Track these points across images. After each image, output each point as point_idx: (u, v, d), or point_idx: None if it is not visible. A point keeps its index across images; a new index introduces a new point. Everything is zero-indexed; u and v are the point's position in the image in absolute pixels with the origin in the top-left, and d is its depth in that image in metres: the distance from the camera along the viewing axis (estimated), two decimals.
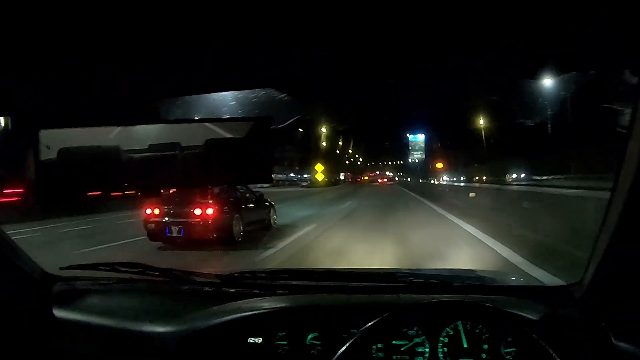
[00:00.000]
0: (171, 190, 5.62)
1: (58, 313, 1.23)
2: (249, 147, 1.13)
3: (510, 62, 1.10)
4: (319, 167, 22.83)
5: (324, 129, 33.16)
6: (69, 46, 0.96)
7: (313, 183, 27.64)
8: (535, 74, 1.18)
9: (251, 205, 6.95)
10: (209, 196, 5.80)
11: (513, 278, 1.83)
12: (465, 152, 32.10)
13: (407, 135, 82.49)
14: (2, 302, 1.13)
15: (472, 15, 0.88)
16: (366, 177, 73.83)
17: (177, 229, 5.64)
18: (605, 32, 0.94)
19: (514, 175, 18.97)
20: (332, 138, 41.58)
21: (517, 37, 0.97)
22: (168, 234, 5.69)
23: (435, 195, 15.99)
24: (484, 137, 24.62)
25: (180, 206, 5.77)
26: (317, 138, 34.61)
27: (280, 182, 32.74)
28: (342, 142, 52.05)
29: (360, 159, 76.69)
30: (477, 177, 24.66)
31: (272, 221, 7.59)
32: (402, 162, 76.88)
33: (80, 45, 0.95)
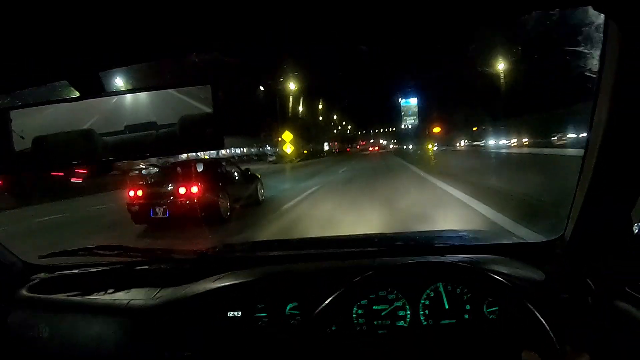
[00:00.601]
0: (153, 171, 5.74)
1: (40, 301, 1.29)
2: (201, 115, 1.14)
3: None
4: (287, 135, 17.52)
5: (292, 86, 28.08)
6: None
7: (281, 157, 22.28)
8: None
9: (237, 180, 7.10)
10: (193, 174, 5.91)
11: (494, 236, 1.87)
12: (467, 111, 28.85)
13: (399, 100, 76.40)
14: None
15: None
16: (358, 147, 72.43)
17: (162, 209, 5.77)
18: None
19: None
20: (308, 102, 38.13)
21: None
22: (153, 216, 5.83)
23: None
24: (503, 82, 19.21)
25: (164, 186, 5.89)
26: (286, 101, 30.25)
27: (246, 157, 29.22)
28: (324, 108, 48.90)
29: (349, 127, 74.94)
30: (514, 140, 18.40)
31: (259, 196, 7.77)
32: (394, 129, 76.84)
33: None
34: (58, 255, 1.45)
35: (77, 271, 1.45)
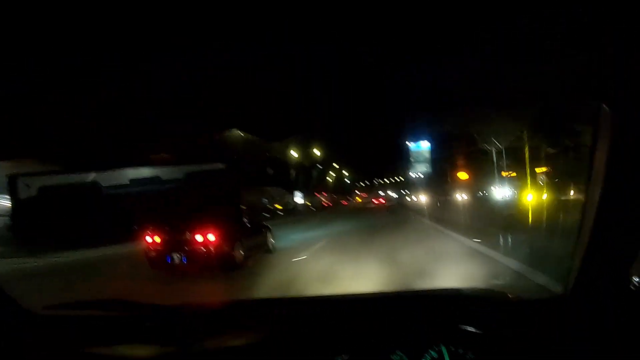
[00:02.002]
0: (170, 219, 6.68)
1: (40, 351, 1.38)
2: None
3: None
4: None
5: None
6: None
7: None
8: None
9: (251, 229, 8.03)
10: (210, 222, 6.84)
11: (498, 294, 1.93)
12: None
13: (407, 144, 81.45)
14: None
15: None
16: (358, 199, 65.28)
17: (179, 256, 6.64)
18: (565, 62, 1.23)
19: None
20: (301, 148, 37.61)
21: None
22: (170, 262, 6.68)
23: None
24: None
25: (181, 233, 6.78)
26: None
27: None
28: (317, 153, 44.39)
29: (346, 175, 69.57)
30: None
31: (270, 245, 8.66)
32: (402, 179, 71.39)
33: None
34: (62, 307, 1.58)
35: (80, 326, 1.54)
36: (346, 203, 55.17)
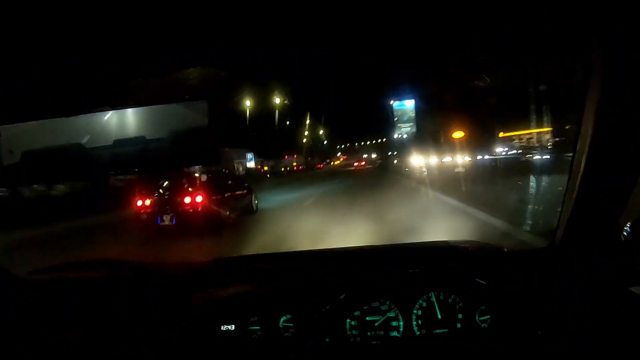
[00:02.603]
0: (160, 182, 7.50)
1: (27, 316, 1.46)
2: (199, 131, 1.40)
3: None
4: None
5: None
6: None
7: None
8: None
9: (235, 191, 8.92)
10: (197, 184, 7.68)
11: (485, 246, 2.07)
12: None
13: (391, 103, 68.11)
14: None
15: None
16: (337, 162, 64.70)
17: (169, 217, 7.50)
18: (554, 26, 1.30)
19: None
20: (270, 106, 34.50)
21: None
22: (160, 223, 7.53)
23: None
24: None
25: (170, 196, 7.62)
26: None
27: None
28: (291, 111, 42.41)
29: (325, 137, 67.03)
30: None
31: (254, 206, 9.61)
32: (385, 140, 68.48)
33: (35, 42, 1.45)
34: (48, 270, 1.67)
35: (67, 288, 1.60)
36: (321, 166, 52.91)
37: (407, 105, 68.11)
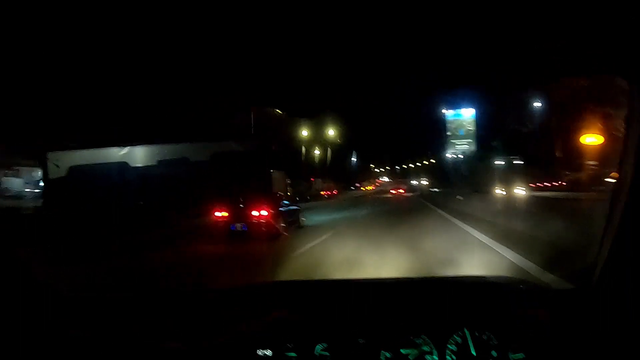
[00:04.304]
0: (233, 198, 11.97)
1: (66, 331, 1.81)
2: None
3: None
4: None
5: None
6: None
7: None
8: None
9: (289, 208, 13.35)
10: (263, 202, 12.10)
11: (521, 283, 2.43)
12: None
13: (443, 112, 61.10)
14: (17, 318, 1.71)
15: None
16: (369, 187, 59.88)
17: (240, 225, 11.91)
18: (597, 41, 1.63)
19: None
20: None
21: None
22: (233, 229, 11.97)
23: None
24: None
25: (242, 209, 12.06)
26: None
27: None
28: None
29: (353, 159, 59.65)
30: None
31: (301, 222, 14.07)
32: (433, 162, 62.73)
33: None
34: (90, 289, 2.37)
35: (106, 307, 2.08)
36: (335, 192, 43.34)
37: (464, 116, 62.42)
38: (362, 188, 63.27)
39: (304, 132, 42.64)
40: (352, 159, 64.76)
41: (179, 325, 1.85)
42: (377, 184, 67.33)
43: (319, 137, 44.88)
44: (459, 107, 61.53)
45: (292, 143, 38.26)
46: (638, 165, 1.40)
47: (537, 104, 32.49)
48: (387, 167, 73.29)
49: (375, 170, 71.70)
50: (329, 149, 47.34)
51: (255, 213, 11.92)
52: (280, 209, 12.82)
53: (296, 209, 14.46)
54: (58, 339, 1.76)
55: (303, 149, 42.90)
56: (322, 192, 35.80)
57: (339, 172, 52.30)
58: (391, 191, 50.73)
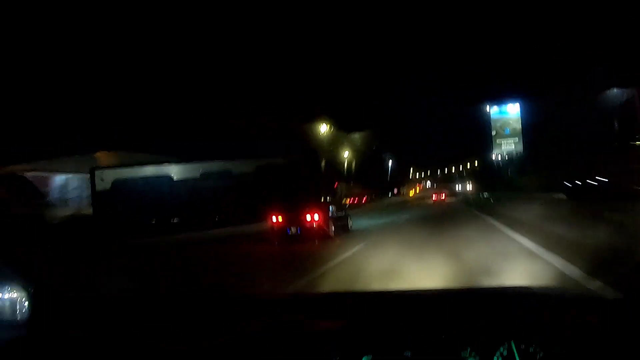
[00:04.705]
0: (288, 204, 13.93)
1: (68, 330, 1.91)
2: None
3: None
4: None
5: None
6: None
7: None
8: None
9: (338, 214, 15.19)
10: (315, 207, 13.95)
11: (567, 292, 2.56)
12: None
13: (487, 110, 60.01)
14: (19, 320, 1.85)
15: None
16: (410, 192, 61.81)
17: (295, 229, 13.80)
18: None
19: None
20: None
21: None
22: (289, 233, 13.86)
23: None
24: None
25: (296, 215, 13.94)
26: None
27: None
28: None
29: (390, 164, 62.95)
30: None
31: (349, 226, 15.90)
32: (476, 165, 63.53)
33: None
34: (93, 291, 3.19)
35: (109, 305, 2.28)
36: (364, 200, 44.69)
37: (510, 113, 61.53)
38: (402, 193, 63.48)
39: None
40: (389, 162, 65.91)
41: (225, 338, 1.89)
42: (418, 189, 67.17)
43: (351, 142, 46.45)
44: (504, 103, 60.31)
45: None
46: None
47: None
48: (428, 172, 73.22)
49: (416, 174, 71.42)
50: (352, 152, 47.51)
51: (308, 218, 13.77)
52: (331, 215, 14.65)
53: (345, 214, 16.59)
54: (58, 339, 1.90)
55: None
56: (345, 200, 29.49)
57: (373, 177, 53.43)
58: (432, 196, 51.39)
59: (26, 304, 1.88)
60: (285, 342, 1.78)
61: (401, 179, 68.67)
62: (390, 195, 59.53)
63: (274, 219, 14.14)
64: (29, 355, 1.80)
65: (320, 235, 13.75)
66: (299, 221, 13.90)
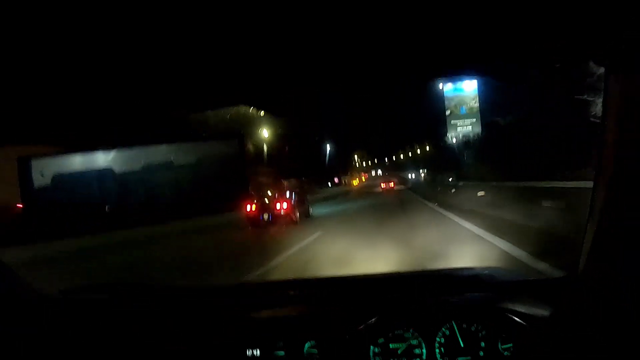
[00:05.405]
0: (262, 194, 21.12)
1: (57, 334, 2.30)
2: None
3: None
4: None
5: None
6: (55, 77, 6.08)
7: None
8: None
9: (299, 202, 22.59)
10: (283, 197, 21.22)
11: (509, 273, 3.06)
12: None
13: (440, 88, 63.47)
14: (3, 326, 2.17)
15: None
16: (354, 182, 59.93)
17: (267, 216, 20.95)
18: (571, 27, 2.14)
19: None
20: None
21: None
22: (262, 219, 21.00)
23: None
24: None
25: (268, 203, 21.08)
26: None
27: None
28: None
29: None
30: None
31: (309, 212, 23.62)
32: (427, 150, 63.40)
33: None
34: (80, 290, 2.76)
35: (96, 308, 2.63)
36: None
37: (466, 90, 63.87)
38: (344, 183, 63.94)
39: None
40: (326, 148, 67.54)
41: (175, 325, 2.38)
42: (364, 178, 68.10)
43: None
44: (459, 79, 62.60)
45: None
46: (617, 152, 1.81)
47: None
48: (375, 159, 72.95)
49: (363, 163, 70.72)
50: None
51: (277, 206, 20.92)
52: (295, 202, 21.95)
53: (305, 202, 24.66)
54: (57, 340, 2.28)
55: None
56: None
57: (308, 166, 52.53)
58: (381, 185, 55.74)
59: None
60: (231, 329, 2.30)
61: (343, 167, 66.43)
62: (330, 186, 58.75)
63: (247, 207, 21.17)
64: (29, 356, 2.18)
65: (287, 220, 21.32)
66: (270, 209, 21.02)
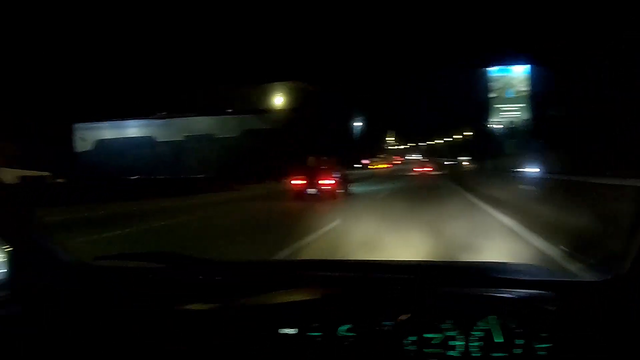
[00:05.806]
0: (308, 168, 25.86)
1: (88, 301, 2.42)
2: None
3: None
4: None
5: None
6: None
7: None
8: None
9: (344, 179, 27.14)
10: (329, 174, 25.27)
11: (549, 272, 3.26)
12: None
13: (485, 71, 63.09)
14: (38, 289, 2.31)
15: None
16: (382, 165, 64.84)
17: (314, 190, 25.11)
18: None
19: None
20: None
21: None
22: (308, 193, 25.37)
23: None
24: None
25: (314, 178, 25.50)
26: None
27: None
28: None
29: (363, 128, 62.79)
30: None
31: (349, 190, 27.90)
32: (474, 133, 63.94)
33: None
34: (114, 257, 2.92)
35: (128, 276, 2.82)
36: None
37: (514, 73, 63.06)
38: (370, 166, 68.26)
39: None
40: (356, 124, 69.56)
41: (204, 301, 2.45)
42: (394, 161, 71.72)
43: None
44: (507, 63, 60.81)
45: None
46: None
47: None
48: (411, 144, 79.61)
49: (397, 146, 76.35)
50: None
51: (323, 181, 25.33)
52: (339, 179, 26.12)
53: (347, 180, 28.11)
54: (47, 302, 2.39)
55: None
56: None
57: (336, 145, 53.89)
58: (414, 169, 59.51)
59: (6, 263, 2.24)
60: (265, 307, 2.39)
61: (373, 149, 70.96)
62: (358, 167, 61.99)
63: (294, 181, 25.35)
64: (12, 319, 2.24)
65: (331, 195, 24.52)
66: (316, 183, 24.79)
